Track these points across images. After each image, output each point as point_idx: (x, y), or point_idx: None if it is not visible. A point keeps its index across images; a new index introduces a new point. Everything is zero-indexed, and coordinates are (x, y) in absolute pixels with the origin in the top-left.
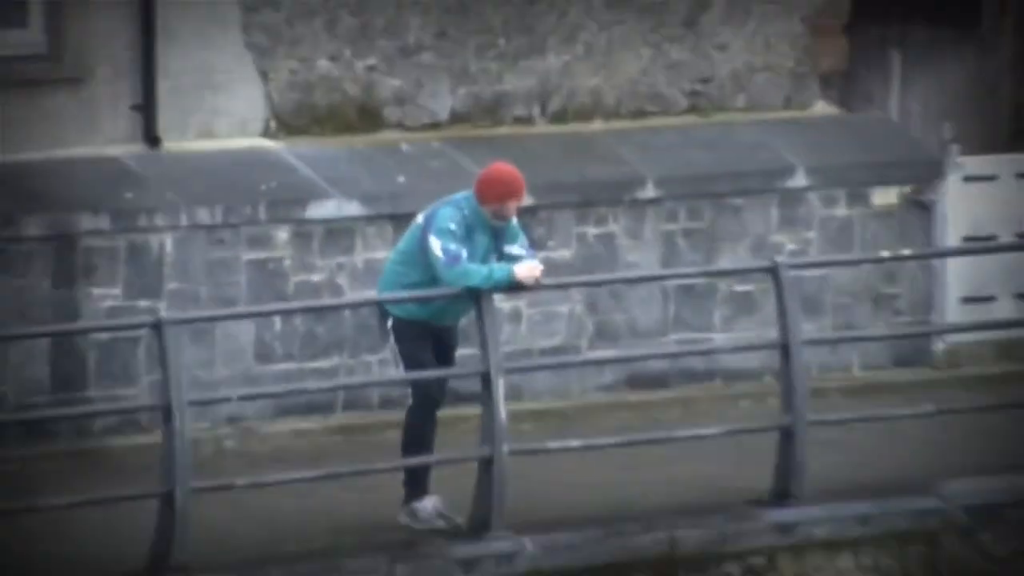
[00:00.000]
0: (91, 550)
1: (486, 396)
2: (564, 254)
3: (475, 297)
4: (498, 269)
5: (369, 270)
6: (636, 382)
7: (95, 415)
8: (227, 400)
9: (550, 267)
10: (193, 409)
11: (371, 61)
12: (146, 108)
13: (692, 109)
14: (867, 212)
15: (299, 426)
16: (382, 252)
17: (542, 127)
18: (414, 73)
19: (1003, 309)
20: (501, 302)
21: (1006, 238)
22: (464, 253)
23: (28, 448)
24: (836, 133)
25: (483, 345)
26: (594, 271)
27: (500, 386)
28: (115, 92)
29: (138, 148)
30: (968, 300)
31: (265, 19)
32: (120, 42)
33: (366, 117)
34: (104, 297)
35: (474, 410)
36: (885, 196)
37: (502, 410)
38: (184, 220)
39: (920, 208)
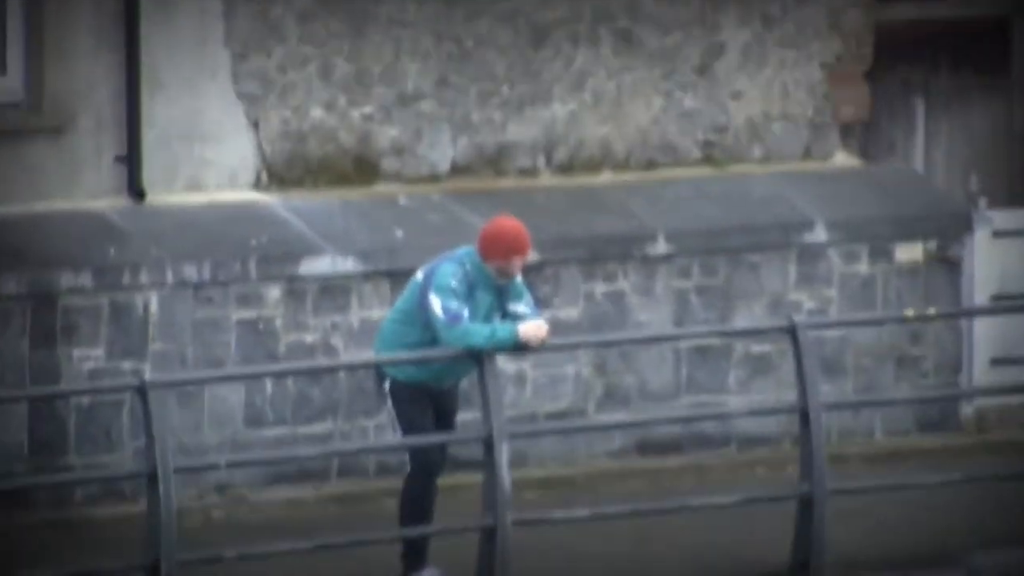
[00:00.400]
0: None
1: (488, 463)
2: (571, 313)
3: (477, 358)
4: (501, 329)
5: (365, 329)
6: (647, 448)
7: (76, 483)
8: (215, 467)
9: (556, 327)
10: (179, 477)
11: (367, 110)
12: (130, 159)
13: (706, 160)
14: (890, 269)
15: (291, 494)
16: (379, 311)
17: (548, 179)
18: (413, 122)
19: None
20: (504, 364)
21: None
22: (466, 312)
23: (4, 518)
24: (857, 185)
25: (485, 409)
26: (602, 331)
27: (503, 452)
28: (98, 143)
29: (122, 202)
30: (998, 362)
31: (256, 66)
32: (103, 90)
33: (362, 168)
34: (85, 359)
35: (476, 478)
36: (909, 252)
37: (505, 477)
38: (170, 277)
39: (946, 264)
